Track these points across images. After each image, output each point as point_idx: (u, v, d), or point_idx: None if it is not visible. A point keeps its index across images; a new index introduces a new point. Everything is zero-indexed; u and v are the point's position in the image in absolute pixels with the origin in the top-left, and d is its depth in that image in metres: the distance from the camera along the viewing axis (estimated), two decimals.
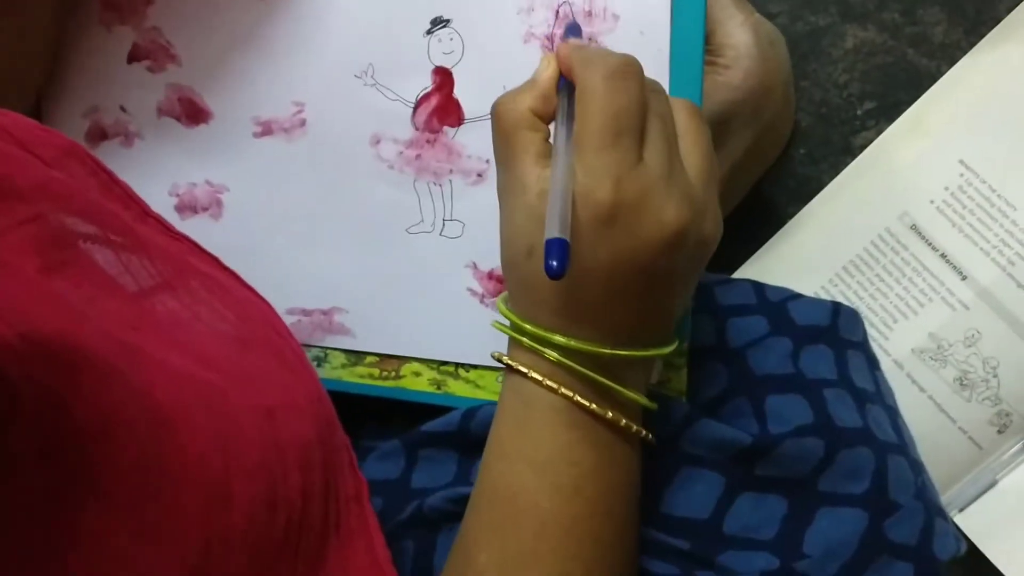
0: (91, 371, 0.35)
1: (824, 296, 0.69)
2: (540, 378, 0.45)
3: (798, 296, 0.62)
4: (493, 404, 0.55)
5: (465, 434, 0.57)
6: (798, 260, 0.71)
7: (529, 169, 0.44)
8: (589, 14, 0.52)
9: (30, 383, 0.32)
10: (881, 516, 0.52)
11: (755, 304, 0.60)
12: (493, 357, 0.48)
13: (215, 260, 0.51)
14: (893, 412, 0.60)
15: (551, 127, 0.46)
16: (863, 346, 0.62)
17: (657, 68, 0.51)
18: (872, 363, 0.62)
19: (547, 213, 0.40)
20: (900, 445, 0.56)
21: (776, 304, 0.60)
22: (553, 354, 0.45)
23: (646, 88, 0.43)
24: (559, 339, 0.44)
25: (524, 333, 0.46)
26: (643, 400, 0.47)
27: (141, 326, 0.42)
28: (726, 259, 0.72)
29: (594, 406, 0.45)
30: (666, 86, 0.51)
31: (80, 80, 0.63)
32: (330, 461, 0.46)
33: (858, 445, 0.53)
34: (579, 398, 0.45)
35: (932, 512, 0.53)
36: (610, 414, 0.45)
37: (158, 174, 0.62)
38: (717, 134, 0.62)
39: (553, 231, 0.38)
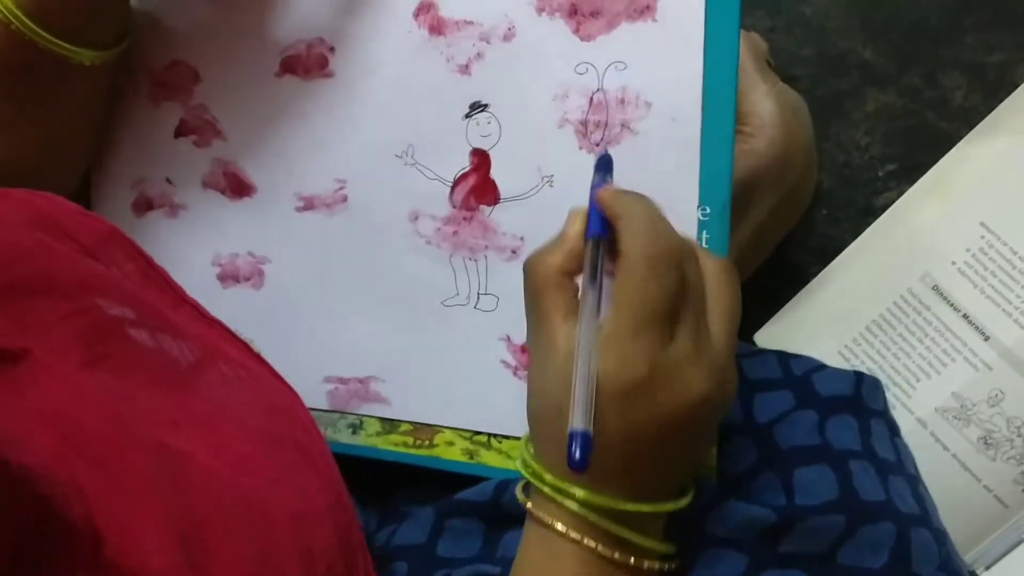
0: (131, 483, 0.36)
1: (847, 355, 0.70)
2: (564, 529, 0.45)
3: (822, 367, 0.63)
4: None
5: (496, 507, 0.57)
6: (820, 320, 0.72)
7: (558, 328, 0.45)
8: (622, 101, 0.54)
9: (74, 490, 0.33)
10: None
11: (781, 378, 0.61)
12: (519, 501, 0.48)
13: (246, 347, 0.53)
14: (914, 480, 0.60)
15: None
16: (884, 414, 0.62)
17: (688, 152, 0.53)
18: (893, 430, 0.63)
19: (572, 401, 0.40)
20: (922, 516, 0.56)
21: (800, 377, 0.61)
22: (574, 505, 0.45)
23: (685, 269, 0.44)
24: (579, 492, 0.45)
25: (546, 483, 0.46)
26: (662, 548, 0.47)
27: (180, 422, 0.43)
28: (750, 319, 0.74)
29: (616, 555, 0.45)
30: (696, 169, 0.53)
31: (128, 153, 0.65)
32: (350, 564, 0.47)
33: (880, 519, 0.54)
34: (601, 548, 0.45)
35: None
36: (632, 560, 0.46)
37: (201, 244, 0.64)
38: (741, 200, 0.65)
39: (577, 422, 0.39)
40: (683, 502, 0.48)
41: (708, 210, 0.53)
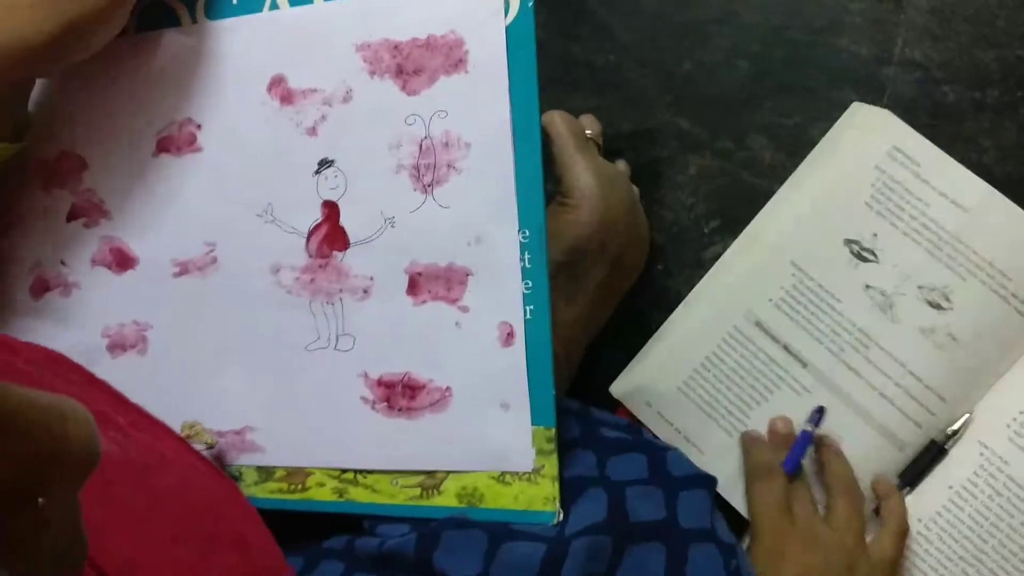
0: None
1: (685, 390, 0.76)
2: None
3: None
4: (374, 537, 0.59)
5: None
6: (663, 364, 0.78)
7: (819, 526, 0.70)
8: (446, 144, 0.60)
9: None
10: None
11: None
12: None
13: (185, 443, 0.54)
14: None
15: None
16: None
17: (505, 184, 0.59)
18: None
19: None
20: (709, 531, 0.58)
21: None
22: None
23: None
24: None
25: None
26: None
27: (126, 530, 0.44)
28: (604, 374, 0.79)
29: None
30: (513, 198, 0.59)
31: (25, 239, 0.70)
32: None
33: (652, 539, 0.56)
34: None
35: None
36: None
37: (92, 318, 0.68)
38: (573, 265, 0.71)
39: None
40: None
41: (528, 233, 0.59)
